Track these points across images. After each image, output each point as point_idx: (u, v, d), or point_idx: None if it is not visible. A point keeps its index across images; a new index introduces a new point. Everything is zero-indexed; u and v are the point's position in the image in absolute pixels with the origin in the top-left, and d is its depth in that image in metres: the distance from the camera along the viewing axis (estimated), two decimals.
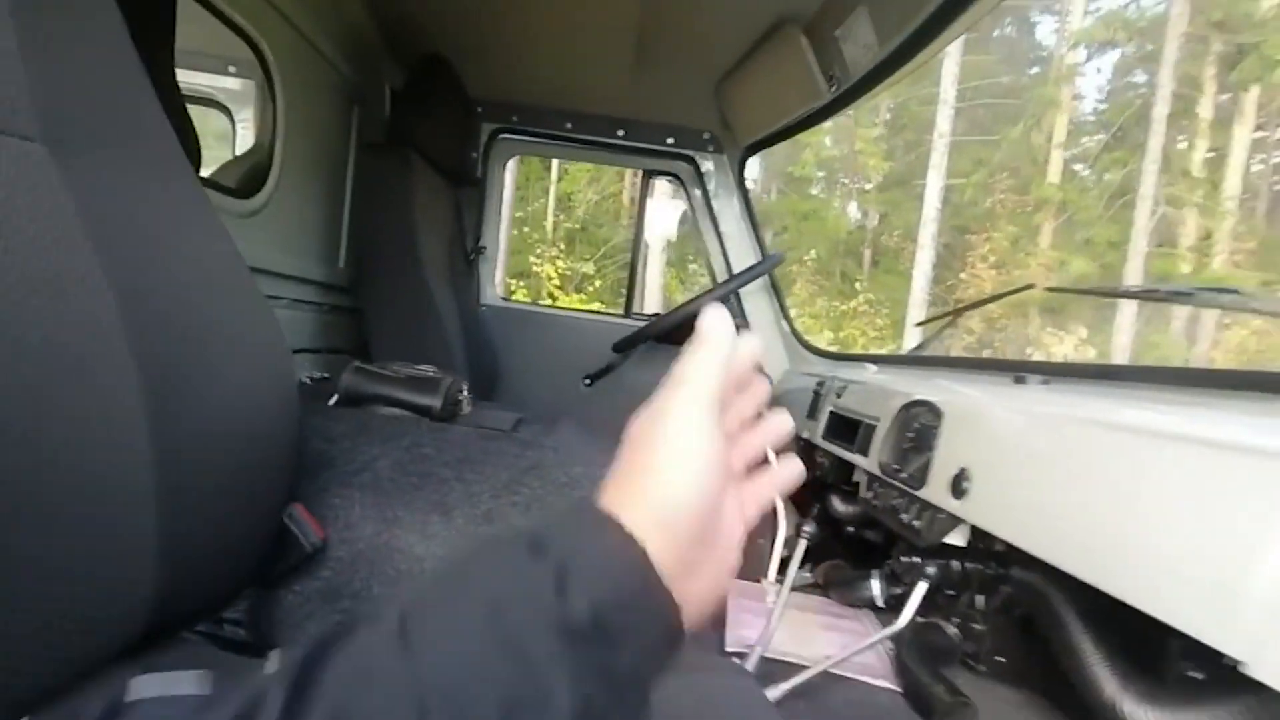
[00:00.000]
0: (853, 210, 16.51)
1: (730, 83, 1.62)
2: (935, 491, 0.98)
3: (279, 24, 1.23)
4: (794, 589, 1.53)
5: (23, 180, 0.37)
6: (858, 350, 1.72)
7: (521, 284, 12.30)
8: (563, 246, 14.01)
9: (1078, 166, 12.89)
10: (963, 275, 11.22)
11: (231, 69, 1.38)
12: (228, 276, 0.55)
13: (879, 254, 15.62)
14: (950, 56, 11.20)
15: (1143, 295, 1.02)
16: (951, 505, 0.94)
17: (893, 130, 15.44)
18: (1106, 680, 0.70)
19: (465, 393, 1.07)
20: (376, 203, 1.51)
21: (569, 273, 13.07)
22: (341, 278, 1.59)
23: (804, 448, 1.65)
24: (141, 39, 0.50)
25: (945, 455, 0.98)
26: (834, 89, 1.40)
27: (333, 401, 1.03)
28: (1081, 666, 0.73)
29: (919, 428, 1.07)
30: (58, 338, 0.37)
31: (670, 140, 1.91)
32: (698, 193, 1.95)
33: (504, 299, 2.08)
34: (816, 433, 1.53)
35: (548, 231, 14.11)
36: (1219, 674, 0.54)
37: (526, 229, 13.76)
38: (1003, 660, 0.98)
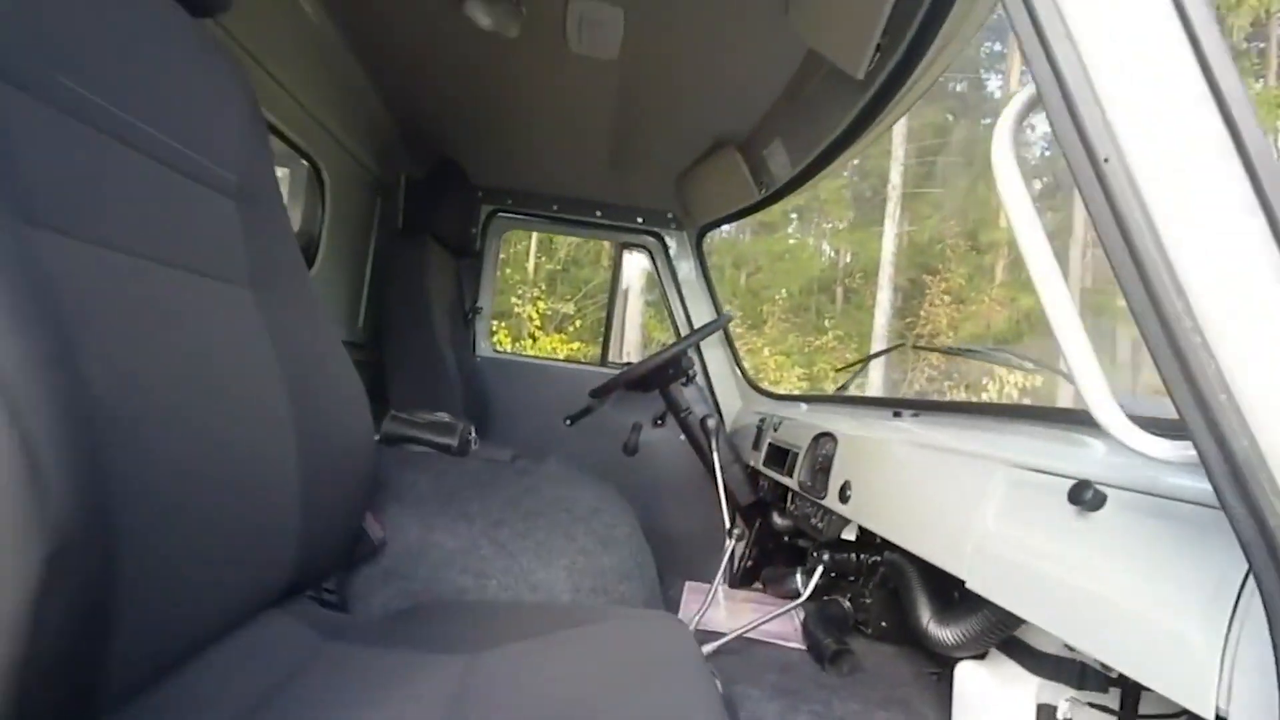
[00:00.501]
0: (827, 248, 17.20)
1: (686, 179, 2.02)
2: (831, 499, 1.34)
3: (328, 141, 1.60)
4: (740, 588, 1.88)
5: (237, 314, 0.70)
6: (827, 383, 2.09)
7: (503, 324, 12.57)
8: (544, 287, 14.31)
9: None
10: (921, 312, 11.93)
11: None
12: (338, 361, 0.87)
13: (850, 291, 16.29)
14: (898, 128, 12.19)
15: (968, 354, 1.41)
16: (839, 508, 1.29)
17: (861, 175, 16.26)
18: (924, 613, 1.06)
19: (473, 434, 1.41)
20: (395, 276, 1.86)
21: (550, 313, 13.37)
22: (360, 336, 1.93)
23: (751, 473, 2.00)
24: None
25: (837, 471, 1.35)
26: (763, 191, 1.81)
27: (377, 439, 1.37)
28: (913, 609, 1.09)
29: (823, 453, 1.44)
30: (251, 407, 0.68)
31: (640, 219, 2.30)
32: (663, 262, 2.34)
33: (495, 351, 2.43)
34: (759, 461, 1.89)
35: (529, 273, 14.43)
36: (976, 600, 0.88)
37: (509, 270, 14.09)
38: (885, 625, 1.34)
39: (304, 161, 1.57)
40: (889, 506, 1.12)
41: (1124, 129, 0.44)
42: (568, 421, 2.36)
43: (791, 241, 16.80)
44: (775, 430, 1.83)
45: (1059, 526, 0.74)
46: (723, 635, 1.27)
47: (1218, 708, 0.54)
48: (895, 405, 1.45)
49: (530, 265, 14.50)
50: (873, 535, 1.23)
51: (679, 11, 1.22)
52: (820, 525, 1.41)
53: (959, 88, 17.22)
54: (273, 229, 0.80)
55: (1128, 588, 0.64)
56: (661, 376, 1.91)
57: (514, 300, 13.26)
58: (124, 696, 0.51)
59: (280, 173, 1.83)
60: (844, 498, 1.27)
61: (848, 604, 1.37)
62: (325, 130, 1.57)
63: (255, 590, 0.71)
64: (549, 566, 1.03)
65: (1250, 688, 0.52)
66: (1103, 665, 0.82)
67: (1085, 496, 0.70)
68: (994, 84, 17.06)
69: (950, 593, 1.06)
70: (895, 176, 11.93)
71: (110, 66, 0.57)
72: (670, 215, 2.30)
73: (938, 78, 1.17)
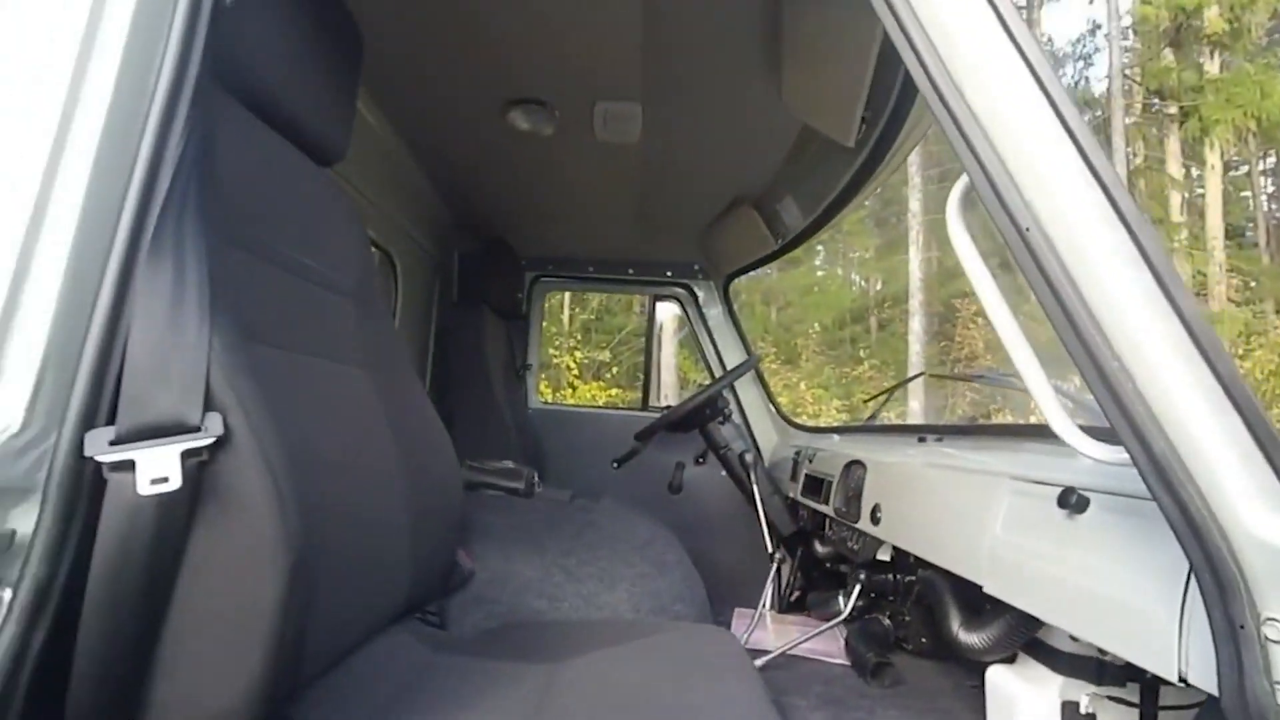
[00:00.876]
0: (856, 278, 17.24)
1: (708, 234, 2.20)
2: (864, 522, 1.45)
3: (396, 233, 1.83)
4: (786, 613, 1.96)
5: (359, 389, 0.88)
6: (865, 413, 2.21)
7: (543, 375, 12.81)
8: (579, 337, 14.60)
9: None
10: (956, 336, 11.86)
11: None
12: (431, 421, 1.04)
13: (884, 320, 16.24)
14: (915, 149, 12.35)
15: (988, 381, 1.53)
16: (872, 530, 1.40)
17: (883, 204, 16.39)
18: (954, 623, 1.15)
19: (537, 478, 1.57)
20: (455, 341, 2.07)
21: (586, 362, 13.61)
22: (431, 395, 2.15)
23: (791, 504, 2.11)
24: None
25: (868, 495, 1.46)
26: (779, 241, 1.97)
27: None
28: (945, 620, 1.18)
29: (855, 480, 1.55)
30: (373, 461, 0.85)
31: (669, 273, 2.48)
32: (693, 310, 2.50)
33: (544, 403, 2.61)
34: (798, 491, 2.00)
35: (565, 325, 14.76)
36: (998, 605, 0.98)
37: (545, 323, 14.39)
38: (924, 641, 1.42)
39: (378, 251, 1.80)
40: (915, 524, 1.23)
41: (1037, 204, 0.59)
42: (615, 465, 2.51)
43: (820, 274, 16.90)
44: (810, 461, 1.95)
45: (1053, 530, 0.85)
46: (770, 652, 1.37)
47: (1180, 671, 0.64)
48: (919, 431, 1.56)
49: (565, 317, 14.88)
50: (906, 555, 1.34)
51: (689, 101, 1.41)
52: (856, 548, 1.52)
53: None
54: (378, 319, 0.99)
55: (1108, 576, 0.75)
56: (699, 417, 2.05)
57: (552, 352, 13.57)
58: (293, 690, 0.67)
59: None
60: (875, 520, 1.38)
61: (888, 621, 1.46)
62: (393, 224, 1.80)
63: (381, 611, 0.87)
64: (612, 590, 1.16)
65: (1202, 654, 0.62)
66: (1113, 657, 0.91)
67: (1071, 501, 0.81)
68: None
69: (979, 602, 1.16)
70: (915, 204, 12.04)
71: (274, 214, 0.76)
72: (697, 267, 2.47)
73: (921, 138, 1.32)
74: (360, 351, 0.91)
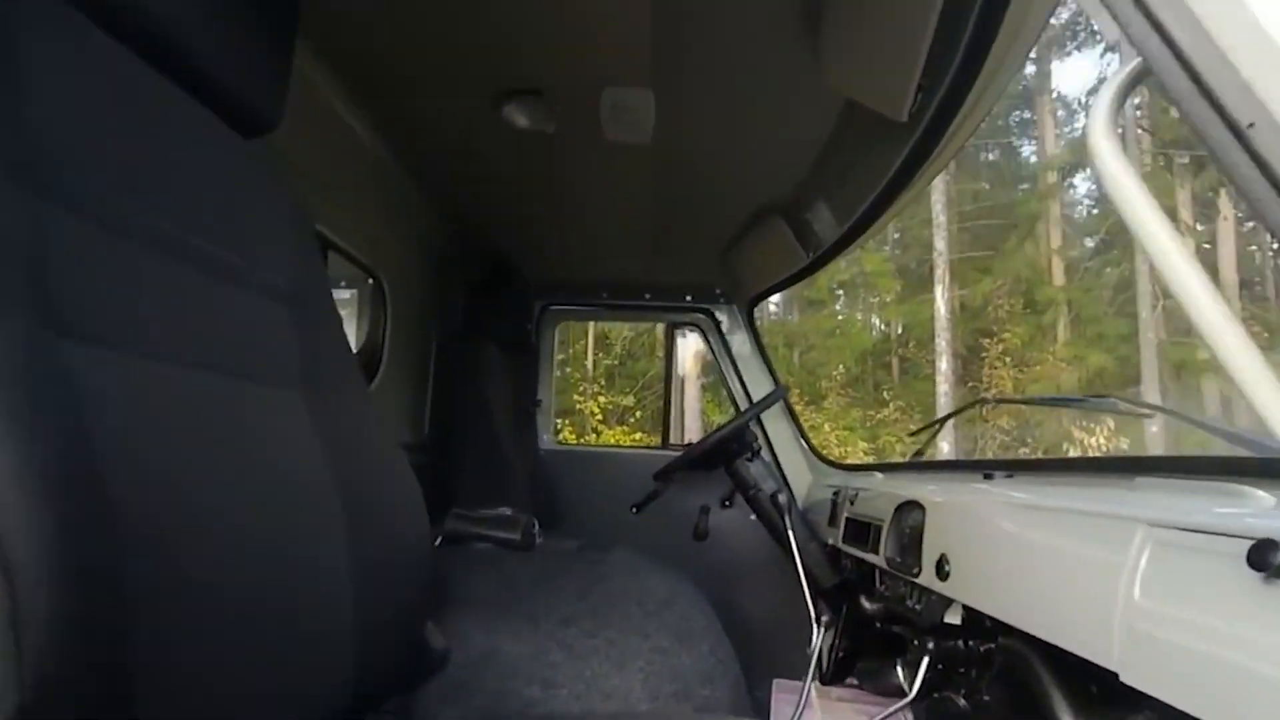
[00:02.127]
0: (877, 323, 17.05)
1: (731, 252, 2.01)
2: (927, 577, 1.20)
3: (386, 254, 1.66)
4: (838, 685, 1.68)
5: (286, 417, 0.67)
6: (895, 455, 1.98)
7: (566, 422, 12.68)
8: (603, 383, 14.50)
9: (1085, 266, 13.56)
10: (983, 376, 11.48)
11: (343, 283, 1.79)
12: (393, 463, 0.82)
13: (906, 362, 15.93)
14: (936, 188, 12.28)
15: (1062, 403, 1.28)
16: (938, 586, 1.15)
17: (903, 248, 16.30)
18: (1062, 711, 0.90)
19: (536, 527, 1.35)
20: (455, 378, 1.87)
21: (611, 407, 13.45)
22: (425, 438, 1.92)
23: (831, 553, 1.85)
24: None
25: (930, 544, 1.21)
26: (810, 254, 1.76)
27: (438, 542, 1.31)
28: (1049, 709, 0.93)
29: (910, 524, 1.30)
30: (299, 511, 0.63)
31: (688, 297, 2.29)
32: (716, 339, 2.29)
33: (558, 443, 2.39)
34: (838, 538, 1.74)
35: (588, 370, 14.69)
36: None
37: (568, 369, 14.38)
38: None
39: (367, 276, 1.62)
40: (1001, 582, 0.98)
41: (1269, 89, 0.38)
42: (634, 510, 2.27)
43: (840, 318, 16.72)
44: (852, 503, 1.70)
45: (1237, 599, 0.61)
46: None
47: None
48: (985, 467, 1.31)
49: (589, 362, 14.79)
50: (981, 616, 1.08)
51: (709, 85, 1.23)
52: (918, 607, 1.26)
53: (992, 156, 17.42)
54: (326, 334, 0.78)
55: None
56: (725, 453, 1.82)
57: (576, 398, 13.46)
58: None
59: (347, 294, 1.91)
60: (942, 574, 1.13)
61: (963, 702, 1.19)
62: (382, 244, 1.63)
63: (312, 713, 0.64)
64: (623, 670, 0.92)
65: None
66: None
67: (1274, 559, 0.57)
68: (1027, 149, 17.20)
69: (1087, 681, 0.90)
70: (940, 243, 11.84)
71: (155, 185, 0.57)
72: (718, 291, 2.27)
73: (988, 112, 1.12)
74: (294, 370, 0.70)
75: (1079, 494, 0.93)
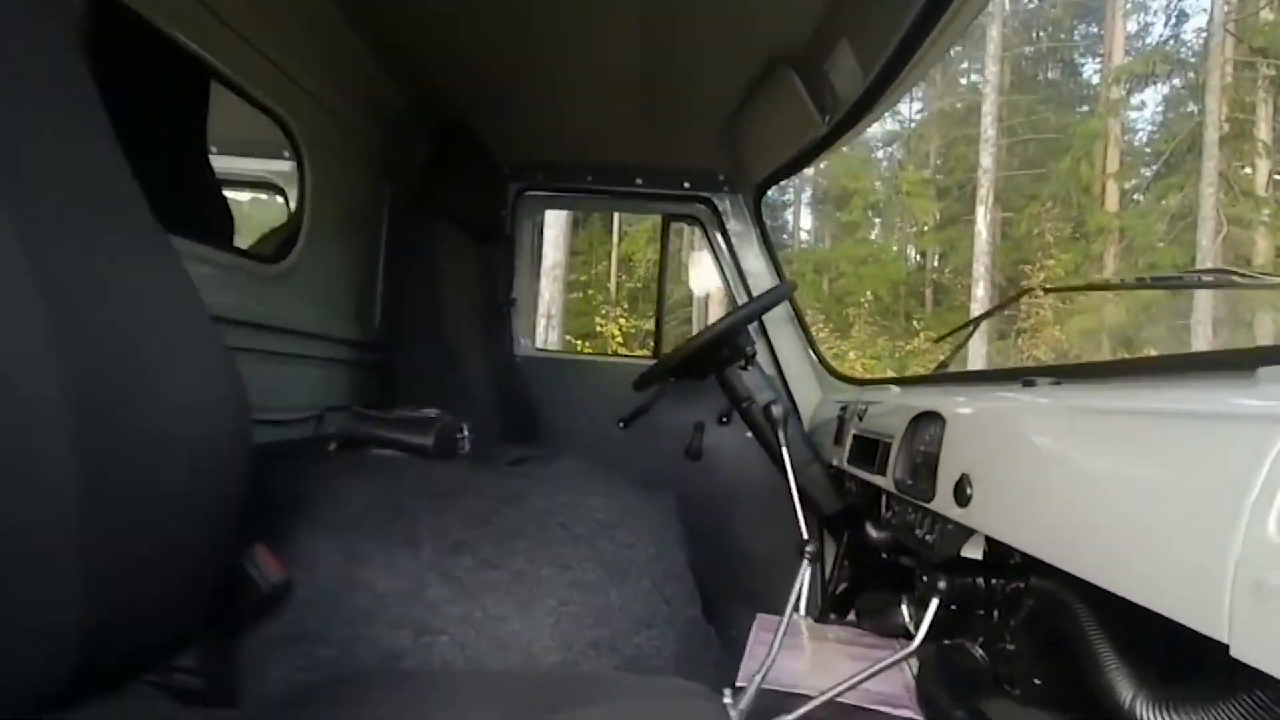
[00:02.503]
0: (911, 253, 16.39)
1: (735, 125, 1.69)
2: (942, 502, 0.95)
3: (306, 102, 1.37)
4: (838, 622, 1.48)
5: None
6: (940, 357, 1.71)
7: (586, 345, 12.56)
8: (626, 306, 14.30)
9: (1136, 197, 12.65)
10: (1021, 307, 10.86)
11: (285, 153, 1.53)
12: (181, 322, 0.57)
13: (940, 293, 15.34)
14: (988, 97, 11.29)
15: (1135, 286, 0.99)
16: (956, 514, 0.91)
17: (944, 173, 15.44)
18: (1121, 685, 0.66)
19: (465, 431, 1.11)
20: (405, 265, 1.62)
21: (633, 331, 13.28)
22: (378, 334, 1.69)
23: (835, 476, 1.61)
24: (174, 123, 0.55)
25: (949, 462, 0.96)
26: (828, 119, 1.44)
27: (333, 447, 1.09)
28: (1099, 673, 0.69)
29: (928, 441, 1.05)
30: None
31: (686, 184, 1.98)
32: (718, 234, 2.00)
33: (538, 349, 2.15)
34: (843, 458, 1.50)
35: (611, 293, 14.46)
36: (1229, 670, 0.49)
37: (590, 291, 14.15)
38: (1039, 683, 0.92)
39: (274, 123, 1.35)
40: (1040, 511, 0.73)
41: None
42: (621, 425, 2.06)
43: (875, 244, 16.07)
44: (860, 419, 1.45)
45: None
46: (805, 699, 0.89)
47: None
48: (1025, 374, 1.04)
49: (612, 285, 14.50)
50: (1008, 551, 0.84)
51: None
52: (930, 539, 1.02)
53: (1052, 75, 16.04)
54: (58, 125, 0.52)
55: None
56: (714, 358, 1.57)
57: (598, 320, 13.30)
58: None
59: (287, 166, 1.63)
60: (962, 499, 0.89)
61: (979, 652, 0.97)
62: (300, 87, 1.35)
63: (28, 678, 0.42)
64: (527, 611, 0.70)
65: None
66: None
67: None
68: (1090, 68, 15.78)
69: (1154, 647, 0.66)
70: (986, 160, 11.00)
71: None
72: (721, 176, 1.96)
73: None
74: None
75: (1166, 396, 0.67)
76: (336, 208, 1.51)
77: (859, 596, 1.50)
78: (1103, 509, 0.62)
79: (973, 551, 0.98)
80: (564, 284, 9.04)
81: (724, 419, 2.04)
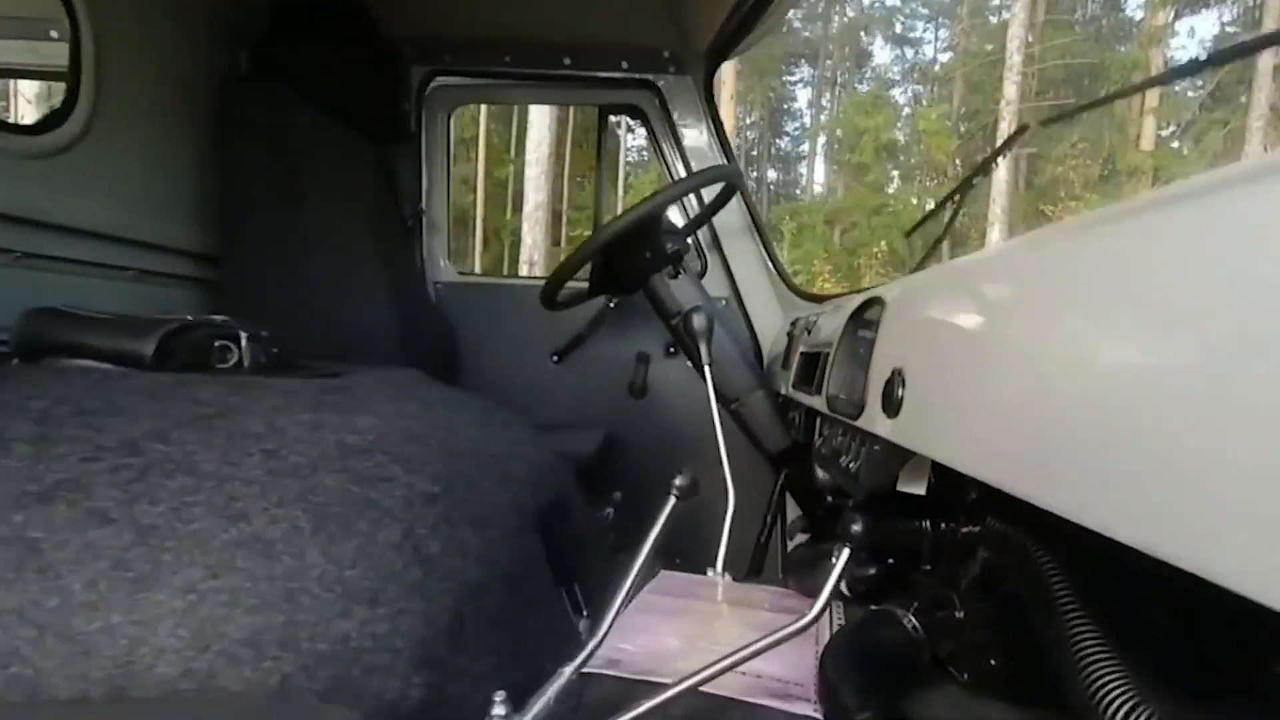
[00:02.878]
0: (930, 205, 15.86)
1: None
2: (870, 414, 0.67)
3: None
4: (767, 579, 1.23)
5: None
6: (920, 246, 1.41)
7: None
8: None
9: (1174, 140, 11.91)
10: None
11: (53, 34, 1.21)
12: None
13: (957, 242, 14.83)
14: (1016, 19, 10.49)
15: (1130, 91, 0.69)
16: (884, 428, 0.62)
17: (964, 117, 14.72)
18: (1110, 676, 0.39)
19: (244, 343, 0.83)
20: (248, 153, 1.30)
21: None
22: (214, 246, 1.36)
23: (783, 405, 1.34)
24: None
25: (880, 362, 0.67)
26: None
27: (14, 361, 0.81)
28: (1077, 658, 0.42)
29: (865, 338, 0.76)
30: None
31: (625, 64, 1.64)
32: (661, 123, 1.67)
33: (459, 274, 1.86)
34: (788, 383, 1.22)
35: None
36: None
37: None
38: (994, 663, 0.65)
39: None
40: (1002, 415, 0.45)
41: None
42: (554, 359, 1.78)
43: (890, 195, 15.45)
44: (809, 332, 1.17)
45: None
46: (656, 689, 0.62)
47: None
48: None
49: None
50: (957, 480, 0.56)
51: None
52: (854, 467, 0.74)
53: (1091, 9, 15.06)
54: None
55: None
56: (634, 262, 1.27)
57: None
58: None
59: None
60: (891, 406, 0.60)
61: (914, 621, 0.69)
62: None
63: None
64: (146, 589, 0.43)
65: None
66: None
67: None
68: (1134, 2, 14.72)
69: (1160, 609, 0.39)
70: (1011, 91, 10.28)
71: None
72: (666, 53, 1.62)
73: None
74: None
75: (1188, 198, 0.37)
76: (142, 69, 1.19)
77: (795, 551, 1.23)
78: (1100, 405, 0.34)
79: (913, 486, 0.70)
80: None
81: (671, 349, 1.76)
